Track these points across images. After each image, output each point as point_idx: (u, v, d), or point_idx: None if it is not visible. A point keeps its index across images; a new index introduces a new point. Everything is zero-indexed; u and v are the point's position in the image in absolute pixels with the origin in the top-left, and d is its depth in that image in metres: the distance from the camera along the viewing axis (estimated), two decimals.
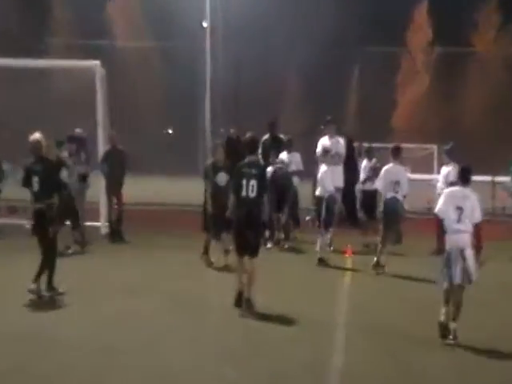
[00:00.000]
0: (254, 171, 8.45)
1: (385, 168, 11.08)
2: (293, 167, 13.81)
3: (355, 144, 17.07)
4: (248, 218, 8.35)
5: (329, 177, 11.66)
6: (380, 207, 10.86)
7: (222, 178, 10.78)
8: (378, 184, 11.05)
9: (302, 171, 14.05)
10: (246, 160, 8.62)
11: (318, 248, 11.47)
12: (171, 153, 37.53)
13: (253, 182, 8.39)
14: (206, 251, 11.21)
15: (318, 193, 11.77)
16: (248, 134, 9.04)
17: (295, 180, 13.82)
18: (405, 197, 11.17)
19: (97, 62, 14.30)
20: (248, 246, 8.41)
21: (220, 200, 10.16)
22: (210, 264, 11.07)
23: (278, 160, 13.34)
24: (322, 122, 12.99)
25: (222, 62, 38.65)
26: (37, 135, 8.90)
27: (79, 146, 13.23)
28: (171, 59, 39.71)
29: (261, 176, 8.52)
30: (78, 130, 13.66)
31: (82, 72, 15.61)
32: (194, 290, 9.45)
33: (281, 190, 12.79)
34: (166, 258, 11.87)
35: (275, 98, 40.36)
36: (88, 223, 13.41)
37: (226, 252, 10.69)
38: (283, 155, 13.90)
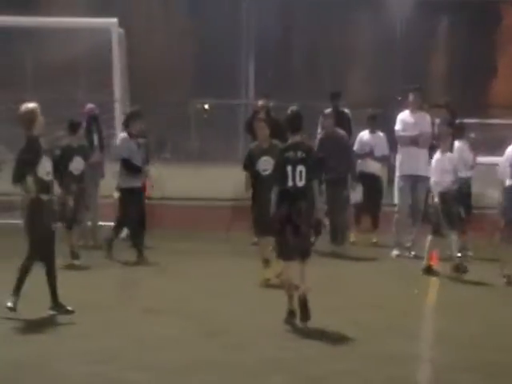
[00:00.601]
0: (300, 154, 8.53)
1: (508, 150, 10.94)
2: (378, 152, 13.78)
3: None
4: (297, 212, 8.43)
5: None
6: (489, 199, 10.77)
7: (266, 164, 10.46)
8: (499, 170, 10.94)
9: (388, 157, 14.00)
10: (290, 141, 8.71)
11: (455, 253, 11.36)
12: (206, 134, 37.65)
13: (300, 168, 8.47)
14: (266, 262, 10.69)
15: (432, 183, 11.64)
16: (291, 108, 9.07)
17: (376, 166, 13.76)
18: None
19: (113, 20, 14.43)
20: (298, 246, 8.50)
21: (263, 195, 9.96)
22: (266, 281, 10.63)
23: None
24: (400, 90, 12.96)
25: (267, 12, 38.07)
26: (31, 105, 8.90)
27: (91, 126, 13.54)
28: (206, 14, 39.64)
29: (309, 159, 8.58)
30: (89, 106, 13.90)
31: (93, 33, 15.78)
32: (228, 310, 9.41)
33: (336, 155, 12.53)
34: (196, 268, 11.95)
35: (336, 57, 39.90)
36: (102, 223, 13.81)
37: (266, 263, 10.64)
38: (364, 135, 13.88)
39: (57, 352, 7.65)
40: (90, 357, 7.44)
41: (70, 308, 8.97)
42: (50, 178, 8.99)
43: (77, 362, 7.30)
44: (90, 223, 13.59)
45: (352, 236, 14.06)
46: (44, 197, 8.84)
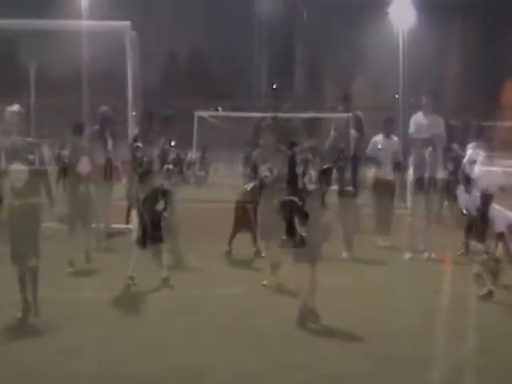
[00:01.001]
0: (311, 158, 8.68)
1: None
2: (391, 156, 13.84)
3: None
4: (305, 216, 8.56)
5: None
6: None
7: (269, 170, 10.56)
8: None
9: (401, 161, 14.05)
10: (302, 146, 8.89)
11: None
12: (218, 137, 37.68)
13: (310, 172, 8.64)
14: (274, 266, 10.68)
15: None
16: (306, 113, 9.28)
17: (389, 170, 13.83)
18: None
19: (126, 23, 14.50)
20: (307, 250, 8.61)
21: (267, 200, 10.22)
22: (276, 285, 10.58)
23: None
24: (410, 93, 13.09)
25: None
26: (14, 107, 8.84)
27: (104, 129, 13.70)
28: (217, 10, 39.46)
29: (320, 164, 8.71)
30: (103, 108, 14.06)
31: (105, 35, 15.90)
32: (241, 312, 9.48)
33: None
34: (206, 271, 12.00)
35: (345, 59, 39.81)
36: (116, 225, 14.01)
37: (274, 267, 10.69)
38: (378, 139, 13.93)
39: (69, 354, 7.71)
40: (102, 359, 7.55)
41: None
42: (21, 184, 8.75)
43: (89, 364, 7.40)
44: (102, 225, 13.70)
45: (375, 239, 14.12)
46: (16, 202, 8.74)
